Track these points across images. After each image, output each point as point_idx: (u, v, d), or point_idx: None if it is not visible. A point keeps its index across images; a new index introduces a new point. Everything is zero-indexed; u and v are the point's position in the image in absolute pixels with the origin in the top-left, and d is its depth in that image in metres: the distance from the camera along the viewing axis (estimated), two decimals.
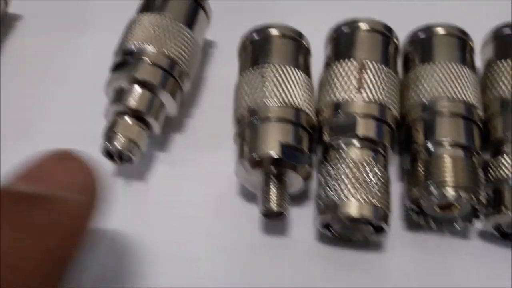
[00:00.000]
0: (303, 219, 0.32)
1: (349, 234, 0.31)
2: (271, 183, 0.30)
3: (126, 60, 0.34)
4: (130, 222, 0.32)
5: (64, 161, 0.23)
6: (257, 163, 0.30)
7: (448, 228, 0.31)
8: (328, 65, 0.35)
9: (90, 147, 0.33)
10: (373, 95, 0.31)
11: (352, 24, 0.35)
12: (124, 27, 0.36)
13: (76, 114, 0.37)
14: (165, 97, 0.33)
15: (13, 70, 0.39)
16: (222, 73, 0.39)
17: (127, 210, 0.32)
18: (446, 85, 0.32)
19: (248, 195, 0.33)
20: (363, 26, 0.35)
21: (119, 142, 0.31)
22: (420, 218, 0.31)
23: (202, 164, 0.35)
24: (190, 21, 0.36)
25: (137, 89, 0.33)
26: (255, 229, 0.32)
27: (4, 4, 0.40)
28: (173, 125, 0.36)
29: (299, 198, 0.33)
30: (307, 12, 0.43)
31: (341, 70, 0.33)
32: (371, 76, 0.32)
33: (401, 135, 0.33)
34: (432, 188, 0.29)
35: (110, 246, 0.31)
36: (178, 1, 0.37)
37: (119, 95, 0.33)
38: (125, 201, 0.33)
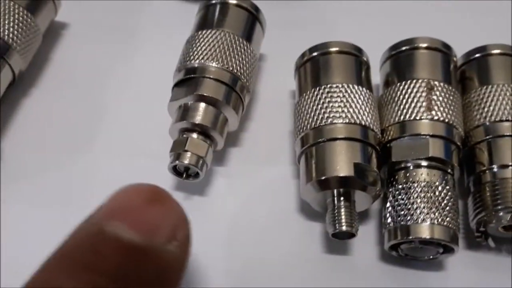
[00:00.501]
0: (365, 237, 0.33)
1: (416, 254, 0.31)
2: (340, 203, 0.30)
3: (189, 77, 0.33)
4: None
5: (158, 202, 0.21)
6: (326, 183, 0.30)
7: (507, 247, 0.32)
8: (389, 83, 0.35)
9: (149, 160, 0.35)
10: (442, 115, 0.32)
11: (411, 43, 0.35)
12: (173, 38, 0.37)
13: (132, 126, 0.37)
14: (228, 112, 0.33)
15: (61, 79, 0.39)
16: (273, 86, 0.39)
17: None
18: (507, 108, 0.32)
19: (308, 212, 0.33)
20: (422, 44, 0.35)
21: (188, 159, 0.31)
22: (483, 238, 0.31)
23: (260, 179, 0.35)
24: (248, 35, 0.36)
25: (202, 105, 0.33)
26: (317, 246, 0.32)
27: (53, 13, 0.40)
28: (230, 139, 0.36)
29: (360, 216, 0.33)
30: (346, 25, 0.43)
31: (408, 90, 0.33)
32: (439, 96, 0.32)
33: (464, 154, 0.33)
34: (502, 214, 0.29)
35: None
36: (236, 16, 0.37)
37: (184, 112, 0.33)
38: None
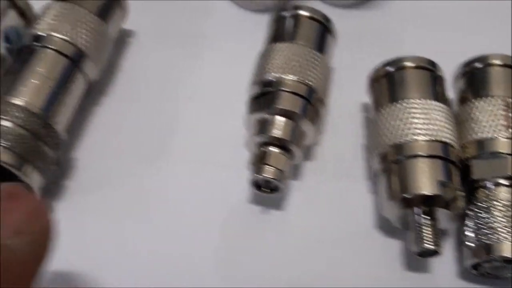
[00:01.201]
0: (443, 254, 0.32)
1: (497, 272, 0.31)
2: (425, 221, 0.30)
3: (265, 90, 0.33)
4: (267, 248, 0.32)
5: (15, 199, 0.21)
6: (410, 201, 0.30)
7: None
8: (464, 100, 0.34)
9: (222, 170, 0.35)
10: None
11: (485, 60, 0.35)
12: (240, 48, 0.38)
13: (203, 135, 0.37)
14: (306, 126, 0.33)
15: (130, 88, 0.39)
16: (343, 98, 0.39)
17: (265, 237, 0.33)
18: None
19: (386, 228, 0.33)
20: (495, 61, 0.35)
21: (269, 173, 0.31)
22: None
23: (335, 193, 0.35)
24: (321, 47, 0.36)
25: (281, 119, 0.33)
26: (395, 263, 0.32)
27: (122, 20, 0.40)
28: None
29: None
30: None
31: (485, 107, 0.33)
32: None
33: None
34: None
35: None
36: (308, 28, 0.37)
37: (263, 126, 0.33)
38: (262, 228, 0.33)
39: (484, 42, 0.39)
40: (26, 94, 0.31)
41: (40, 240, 0.22)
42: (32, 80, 0.32)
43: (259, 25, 0.41)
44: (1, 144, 0.28)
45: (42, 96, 0.32)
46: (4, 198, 0.21)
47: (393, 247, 0.33)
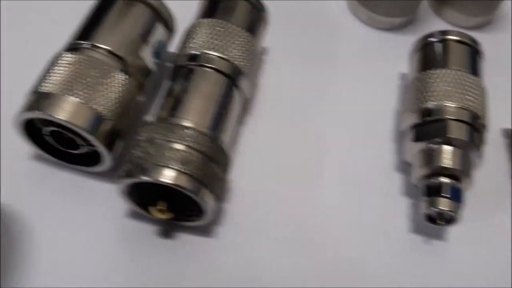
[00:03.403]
0: None
1: None
2: None
3: (427, 120, 0.32)
4: (430, 279, 0.31)
5: None
6: None
7: None
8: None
9: (377, 196, 0.34)
10: None
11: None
12: (375, 68, 0.38)
13: (351, 158, 0.36)
14: (474, 153, 0.32)
15: (271, 107, 0.38)
16: None
17: (427, 268, 0.31)
18: None
19: None
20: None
21: (446, 205, 0.30)
22: None
23: (495, 224, 0.34)
24: (474, 70, 0.35)
25: (449, 148, 0.32)
26: None
27: (264, 35, 0.38)
28: None
29: None
30: None
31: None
32: None
33: None
34: None
35: None
36: (459, 52, 0.36)
37: (430, 156, 0.32)
38: (423, 259, 0.32)
39: None
40: (194, 115, 0.29)
41: None
42: (196, 100, 0.30)
43: (388, 43, 0.41)
44: (178, 168, 0.27)
45: (208, 115, 0.30)
46: None
47: None
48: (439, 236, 0.33)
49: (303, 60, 0.40)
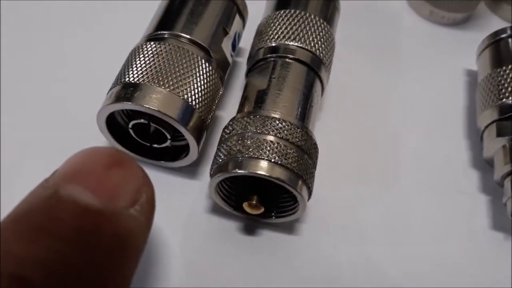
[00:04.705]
0: None
1: None
2: None
3: (507, 116, 0.32)
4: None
5: (118, 165, 0.19)
6: None
7: None
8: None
9: (459, 196, 0.33)
10: None
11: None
12: (438, 64, 0.37)
13: (426, 157, 0.35)
14: None
15: (335, 100, 0.37)
16: None
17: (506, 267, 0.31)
18: None
19: None
20: None
21: None
22: None
23: None
24: None
25: None
26: None
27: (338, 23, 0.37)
28: None
29: None
30: None
31: None
32: None
33: None
34: None
35: None
36: None
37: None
38: (507, 257, 0.31)
39: None
40: (282, 107, 0.29)
41: (150, 210, 0.20)
42: (283, 92, 0.29)
43: (450, 39, 0.41)
44: (275, 161, 0.26)
45: (297, 107, 0.29)
46: (113, 164, 0.19)
47: None
48: None
49: (367, 56, 0.40)
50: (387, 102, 0.38)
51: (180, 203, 0.30)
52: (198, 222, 0.30)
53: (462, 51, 0.40)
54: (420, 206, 0.33)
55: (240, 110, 0.30)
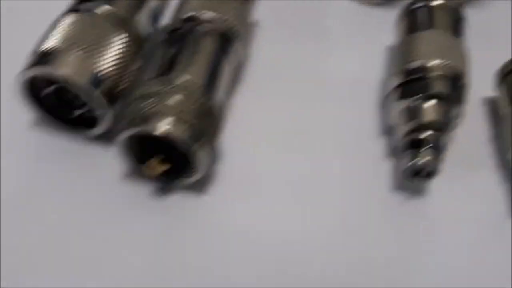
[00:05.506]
0: None
1: None
2: None
3: (412, 78, 0.34)
4: (407, 238, 0.32)
5: None
6: None
7: None
8: None
9: (361, 161, 0.35)
10: None
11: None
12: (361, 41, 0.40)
13: (337, 127, 0.37)
14: (456, 109, 0.33)
15: (259, 78, 0.39)
16: None
17: (405, 227, 0.33)
18: None
19: None
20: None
21: (429, 157, 0.31)
22: None
23: (469, 183, 0.35)
24: (457, 31, 0.37)
25: (433, 102, 0.33)
26: None
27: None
28: None
29: None
30: None
31: None
32: None
33: None
34: None
35: None
36: (442, 16, 0.37)
37: (413, 113, 0.33)
38: (403, 219, 0.33)
39: None
40: (189, 70, 0.31)
41: None
42: (191, 57, 0.32)
43: (377, 19, 0.43)
44: (176, 118, 0.28)
45: (203, 71, 0.32)
46: None
47: None
48: (418, 194, 0.34)
49: (294, 35, 0.42)
50: (309, 75, 0.40)
51: (95, 172, 0.33)
52: (112, 189, 0.32)
53: (385, 29, 0.42)
54: (330, 171, 0.35)
55: (151, 75, 0.32)
